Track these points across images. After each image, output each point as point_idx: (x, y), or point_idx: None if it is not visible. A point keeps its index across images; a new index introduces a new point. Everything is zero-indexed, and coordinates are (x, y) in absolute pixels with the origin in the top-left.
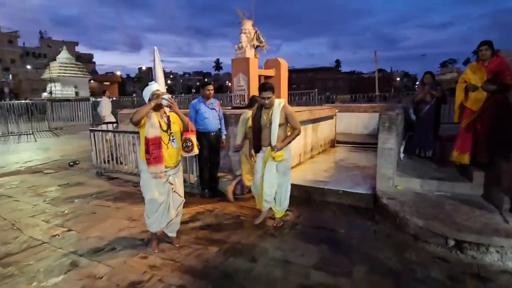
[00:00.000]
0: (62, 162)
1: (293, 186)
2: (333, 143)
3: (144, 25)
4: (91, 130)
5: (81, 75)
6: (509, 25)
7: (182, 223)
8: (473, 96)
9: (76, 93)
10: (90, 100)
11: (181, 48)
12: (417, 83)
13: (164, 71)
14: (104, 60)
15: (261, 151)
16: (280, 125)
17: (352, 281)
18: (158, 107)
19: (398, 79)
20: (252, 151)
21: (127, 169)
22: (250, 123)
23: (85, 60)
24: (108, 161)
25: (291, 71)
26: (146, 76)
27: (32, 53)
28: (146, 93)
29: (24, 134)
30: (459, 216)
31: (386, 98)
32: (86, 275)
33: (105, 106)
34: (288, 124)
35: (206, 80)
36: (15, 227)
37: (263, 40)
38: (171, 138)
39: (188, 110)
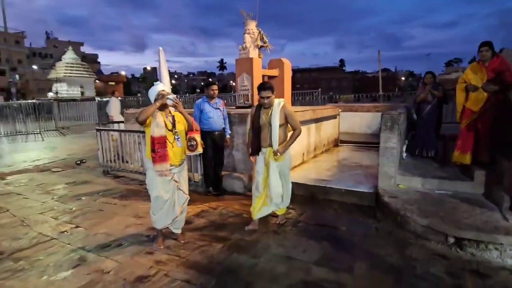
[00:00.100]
0: (69, 160)
1: (296, 184)
2: (337, 142)
3: (149, 25)
4: (97, 130)
5: (87, 75)
6: None
7: (187, 220)
8: (473, 96)
9: (82, 93)
10: (95, 100)
11: (185, 48)
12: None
13: (169, 71)
14: (109, 60)
15: (260, 152)
16: (280, 125)
17: (353, 277)
18: (163, 107)
19: (403, 78)
20: (251, 154)
21: (132, 168)
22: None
23: (91, 60)
24: (114, 160)
25: (295, 71)
26: (151, 76)
27: (38, 53)
28: (152, 93)
29: (31, 134)
30: (460, 214)
31: (390, 97)
32: (94, 270)
33: (114, 106)
34: (288, 124)
35: (210, 80)
36: (24, 224)
37: (267, 41)
38: (176, 137)
39: (192, 110)
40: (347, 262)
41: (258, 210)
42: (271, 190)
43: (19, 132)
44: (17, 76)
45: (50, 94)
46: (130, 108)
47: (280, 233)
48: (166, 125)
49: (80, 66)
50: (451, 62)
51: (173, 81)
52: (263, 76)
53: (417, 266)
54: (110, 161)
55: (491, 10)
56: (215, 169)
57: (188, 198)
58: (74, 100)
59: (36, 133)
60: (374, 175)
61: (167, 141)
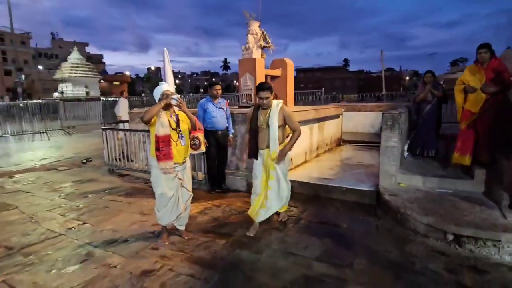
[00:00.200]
0: (75, 159)
1: (299, 183)
2: (339, 142)
3: (153, 25)
4: (103, 129)
5: (92, 75)
6: None
7: (191, 217)
8: (472, 98)
9: (87, 93)
10: (100, 99)
11: (189, 48)
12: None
13: (172, 71)
14: (113, 60)
15: (258, 154)
16: (278, 127)
17: (353, 272)
18: (167, 106)
19: (407, 78)
20: (249, 157)
21: (137, 167)
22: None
23: (95, 61)
24: (119, 158)
25: (299, 71)
26: (155, 76)
27: (44, 54)
28: (157, 92)
29: (37, 133)
30: (459, 212)
31: (394, 97)
32: (101, 264)
33: (123, 106)
34: (287, 126)
35: (214, 80)
36: (33, 220)
37: (270, 41)
38: (179, 136)
39: (196, 109)
40: (347, 258)
41: (257, 213)
42: (279, 193)
43: (25, 131)
44: (23, 76)
45: (56, 94)
46: (135, 108)
47: (282, 230)
48: (170, 124)
49: (85, 66)
50: (456, 61)
51: (177, 81)
52: (266, 76)
53: (416, 262)
54: (116, 160)
55: (494, 9)
56: (218, 168)
57: (192, 195)
58: (79, 100)
59: (42, 133)
60: (376, 174)
61: (171, 139)
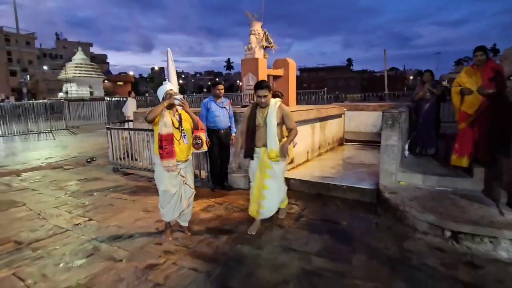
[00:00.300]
0: (80, 158)
1: (300, 181)
2: (342, 141)
3: (156, 25)
4: (107, 128)
5: (96, 75)
6: None
7: (194, 214)
8: (468, 99)
9: (91, 93)
10: (104, 99)
11: (192, 48)
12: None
13: (176, 71)
14: (117, 61)
15: (254, 154)
16: (277, 125)
17: (351, 267)
18: (170, 106)
19: (411, 77)
20: (244, 156)
21: (141, 165)
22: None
23: (99, 61)
24: (124, 157)
25: (302, 71)
26: (158, 76)
27: (49, 54)
28: (160, 92)
29: (43, 133)
30: (457, 210)
31: (398, 96)
32: (107, 258)
33: (131, 106)
34: (284, 126)
35: (217, 79)
36: (40, 217)
37: (272, 41)
38: (182, 134)
39: (199, 109)
40: (346, 253)
41: (258, 212)
42: (277, 191)
43: (31, 131)
44: (28, 77)
45: (60, 94)
46: (139, 107)
47: (283, 227)
48: (173, 123)
49: (89, 66)
50: (461, 60)
51: (180, 81)
52: (268, 76)
53: (413, 258)
54: (120, 159)
55: (502, 7)
56: (221, 166)
57: (194, 192)
58: (83, 100)
59: (48, 132)
60: (377, 173)
61: (174, 138)
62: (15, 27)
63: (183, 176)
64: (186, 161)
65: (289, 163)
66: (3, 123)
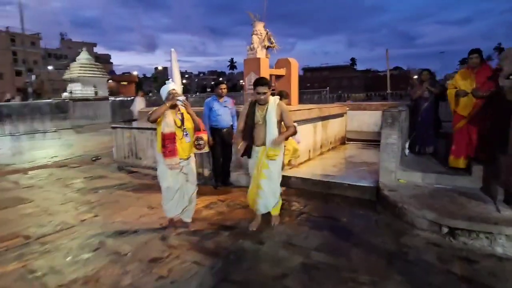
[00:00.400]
0: (85, 157)
1: (302, 179)
2: (344, 140)
3: (160, 25)
4: (113, 127)
5: (100, 75)
6: None
7: (197, 210)
8: (462, 102)
9: (95, 93)
10: (109, 99)
11: (196, 48)
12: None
13: (180, 71)
14: (121, 60)
15: (253, 152)
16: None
17: (349, 261)
18: (173, 105)
19: (415, 77)
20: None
21: (145, 164)
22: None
23: (103, 61)
24: (128, 156)
25: (306, 70)
26: (162, 75)
27: (53, 54)
28: (163, 91)
29: (48, 132)
30: (455, 206)
31: (401, 96)
32: (112, 252)
33: (138, 105)
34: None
35: (220, 79)
36: (48, 213)
37: (274, 41)
38: (184, 133)
39: (202, 108)
40: (344, 248)
41: (256, 209)
42: (270, 192)
43: (37, 130)
44: (33, 77)
45: (65, 94)
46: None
47: (284, 223)
48: (175, 122)
49: (94, 66)
50: (465, 59)
51: (184, 81)
52: (271, 75)
53: (410, 253)
54: (124, 157)
55: (509, 5)
56: (223, 164)
57: (197, 189)
58: (87, 99)
59: (53, 131)
60: (377, 172)
61: (176, 137)
62: (21, 27)
63: (185, 173)
64: (188, 158)
65: (294, 159)
66: (10, 122)
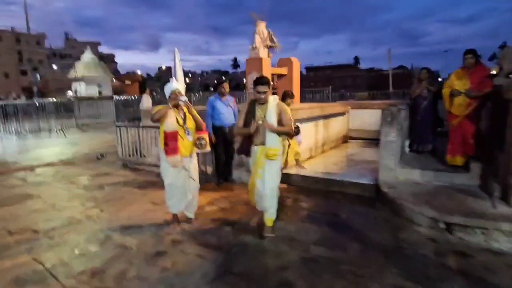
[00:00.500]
0: (90, 155)
1: (303, 177)
2: (345, 139)
3: (163, 24)
4: (117, 126)
5: (104, 75)
6: None
7: (200, 207)
8: (456, 102)
9: (100, 92)
10: (113, 98)
11: (199, 47)
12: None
13: (183, 70)
14: (124, 60)
15: (252, 151)
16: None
17: (347, 255)
18: (176, 105)
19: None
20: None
21: (150, 161)
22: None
23: (108, 60)
24: (133, 154)
25: (309, 69)
26: (166, 75)
27: (58, 53)
28: (167, 90)
29: (54, 130)
30: (452, 203)
31: (404, 95)
32: (118, 246)
33: (146, 103)
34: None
35: (223, 78)
36: (55, 209)
37: (276, 41)
38: (186, 132)
39: (205, 107)
40: (343, 243)
41: (253, 195)
42: (265, 192)
43: (42, 129)
44: (38, 76)
45: (70, 93)
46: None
47: (284, 219)
48: (178, 121)
49: (98, 65)
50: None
51: (187, 80)
52: (272, 74)
53: (408, 248)
54: (129, 155)
55: None
56: (225, 162)
57: (198, 186)
58: (92, 98)
59: (59, 130)
60: (378, 169)
61: (178, 135)
62: (26, 27)
63: (187, 170)
64: (190, 156)
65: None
66: (16, 121)
